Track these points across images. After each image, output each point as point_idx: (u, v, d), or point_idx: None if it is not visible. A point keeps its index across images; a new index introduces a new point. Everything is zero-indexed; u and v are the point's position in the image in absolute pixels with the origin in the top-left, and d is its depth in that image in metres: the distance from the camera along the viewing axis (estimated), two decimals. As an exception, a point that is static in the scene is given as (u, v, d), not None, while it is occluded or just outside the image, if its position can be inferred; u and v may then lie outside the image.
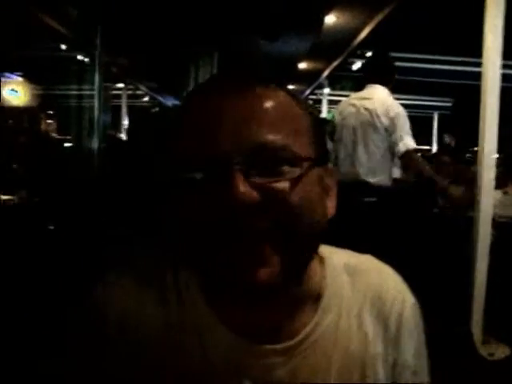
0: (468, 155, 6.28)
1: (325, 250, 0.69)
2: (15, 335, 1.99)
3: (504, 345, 2.61)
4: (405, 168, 3.15)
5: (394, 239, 2.94)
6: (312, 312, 0.64)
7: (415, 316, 0.70)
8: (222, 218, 0.52)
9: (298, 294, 0.62)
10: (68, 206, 3.06)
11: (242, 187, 0.51)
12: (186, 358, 0.61)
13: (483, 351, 2.54)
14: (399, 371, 0.68)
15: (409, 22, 5.28)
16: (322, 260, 0.68)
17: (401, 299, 0.68)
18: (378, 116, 3.05)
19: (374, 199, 3.07)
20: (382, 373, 0.66)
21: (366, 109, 3.09)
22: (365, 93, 3.21)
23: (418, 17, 5.26)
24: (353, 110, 3.15)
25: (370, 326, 0.66)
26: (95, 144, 4.08)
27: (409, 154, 3.04)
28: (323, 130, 0.64)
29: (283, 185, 0.53)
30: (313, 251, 0.60)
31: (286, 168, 0.54)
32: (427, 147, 13.40)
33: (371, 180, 3.07)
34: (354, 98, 3.31)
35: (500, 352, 2.55)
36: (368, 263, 0.71)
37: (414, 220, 3.60)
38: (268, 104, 0.56)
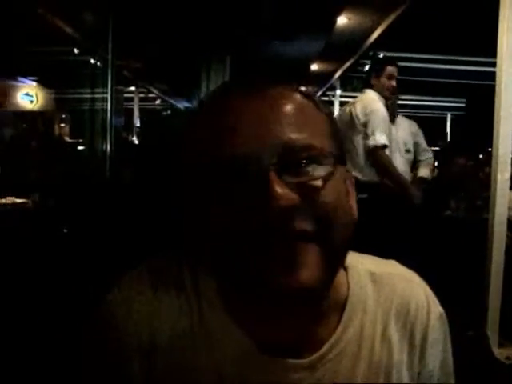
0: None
1: (349, 256, 0.65)
2: (27, 339, 2.00)
3: (520, 348, 2.57)
4: (373, 165, 3.16)
5: (396, 238, 2.90)
6: (335, 322, 0.62)
7: (442, 326, 0.68)
8: (260, 221, 0.50)
9: (322, 303, 0.60)
10: (81, 210, 3.08)
11: (280, 189, 0.49)
12: (201, 367, 0.59)
13: (499, 354, 2.50)
14: (424, 382, 0.66)
15: (421, 23, 5.24)
16: (346, 269, 0.66)
17: (427, 308, 0.67)
18: (356, 115, 3.20)
19: (364, 196, 3.03)
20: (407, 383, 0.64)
21: (350, 111, 3.29)
22: (358, 98, 3.46)
23: (430, 17, 5.22)
24: (343, 113, 3.40)
25: (395, 335, 0.64)
26: (108, 147, 4.10)
27: (377, 150, 3.07)
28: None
29: (317, 183, 0.52)
30: (346, 254, 0.59)
31: (314, 167, 0.53)
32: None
33: (360, 177, 3.11)
34: (349, 103, 3.55)
35: (516, 356, 2.51)
36: (394, 270, 0.69)
37: (422, 220, 3.57)
38: (291, 105, 0.55)
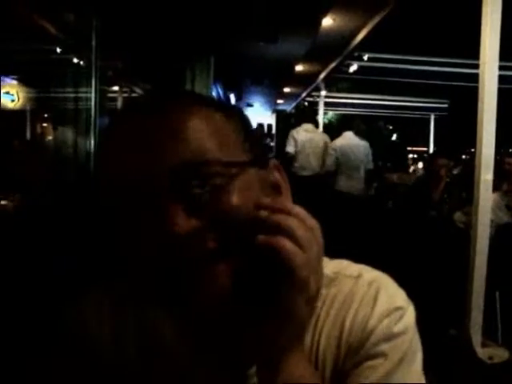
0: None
1: None
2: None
3: (503, 348, 2.59)
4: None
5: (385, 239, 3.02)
6: None
7: (389, 323, 0.59)
8: (164, 250, 0.49)
9: None
10: (64, 212, 3.03)
11: (177, 218, 0.49)
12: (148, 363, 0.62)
13: (482, 354, 2.52)
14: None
15: (405, 24, 5.28)
16: None
17: (372, 304, 0.60)
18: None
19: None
20: None
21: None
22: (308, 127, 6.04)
23: (414, 19, 5.26)
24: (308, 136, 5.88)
25: (334, 332, 0.60)
26: (92, 148, 4.05)
27: None
28: (258, 130, 0.61)
29: (218, 197, 0.51)
30: None
31: (218, 179, 0.51)
32: (424, 148, 13.40)
33: None
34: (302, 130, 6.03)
35: (499, 355, 2.54)
36: (351, 272, 0.64)
37: (407, 219, 3.61)
38: (183, 122, 0.53)
